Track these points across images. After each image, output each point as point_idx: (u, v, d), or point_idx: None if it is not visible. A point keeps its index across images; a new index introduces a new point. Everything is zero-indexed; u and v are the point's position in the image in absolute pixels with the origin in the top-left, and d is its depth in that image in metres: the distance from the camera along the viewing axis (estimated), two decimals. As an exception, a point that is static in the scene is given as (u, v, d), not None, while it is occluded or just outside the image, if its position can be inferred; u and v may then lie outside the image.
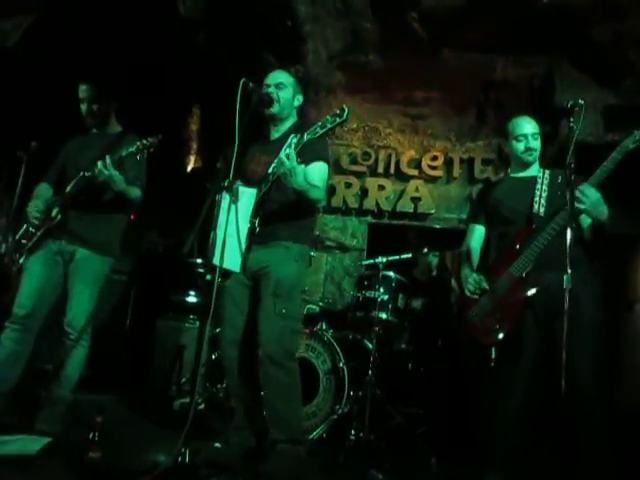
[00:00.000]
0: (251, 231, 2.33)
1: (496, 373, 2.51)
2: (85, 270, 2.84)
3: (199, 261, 4.46)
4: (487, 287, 2.51)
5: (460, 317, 2.56)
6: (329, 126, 2.22)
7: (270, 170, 2.42)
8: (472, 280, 2.56)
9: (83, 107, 3.02)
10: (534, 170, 2.68)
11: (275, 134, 2.63)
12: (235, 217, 2.23)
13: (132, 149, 2.75)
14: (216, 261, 2.15)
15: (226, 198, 2.24)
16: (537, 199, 2.51)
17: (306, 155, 2.37)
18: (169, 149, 6.41)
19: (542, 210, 2.49)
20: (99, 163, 2.73)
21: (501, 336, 2.35)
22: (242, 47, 4.95)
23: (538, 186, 2.55)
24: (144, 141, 2.79)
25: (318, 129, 2.24)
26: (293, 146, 2.27)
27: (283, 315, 2.36)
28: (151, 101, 5.85)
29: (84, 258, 2.86)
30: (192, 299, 4.55)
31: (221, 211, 2.20)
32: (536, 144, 2.66)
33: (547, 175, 2.60)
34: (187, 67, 5.67)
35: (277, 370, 2.33)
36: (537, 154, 2.68)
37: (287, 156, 2.22)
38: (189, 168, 7.01)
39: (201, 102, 6.67)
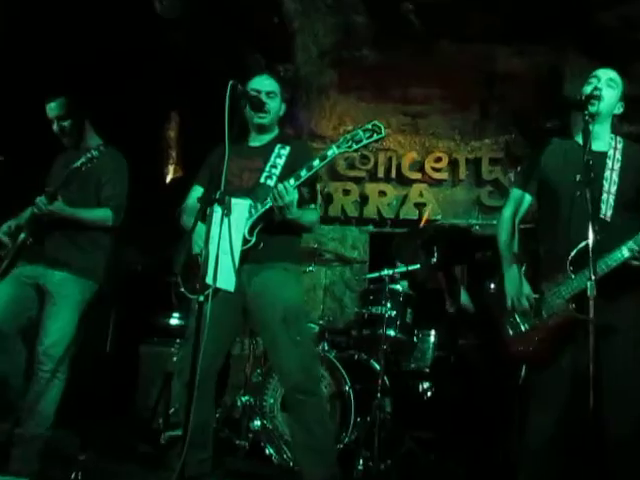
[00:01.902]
0: (245, 248, 2.33)
1: (525, 392, 2.49)
2: (63, 294, 2.84)
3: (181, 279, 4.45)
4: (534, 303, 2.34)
5: (493, 324, 2.49)
6: (365, 141, 2.24)
7: (263, 186, 2.44)
8: (528, 301, 2.34)
9: (54, 127, 3.05)
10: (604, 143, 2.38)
11: (255, 142, 2.65)
12: (228, 232, 2.23)
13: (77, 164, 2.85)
14: (209, 280, 2.14)
15: (217, 211, 2.23)
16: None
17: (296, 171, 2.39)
18: (146, 158, 6.48)
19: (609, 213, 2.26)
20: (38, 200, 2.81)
21: (537, 351, 2.28)
22: (225, 46, 4.97)
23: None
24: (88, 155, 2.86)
25: (351, 143, 2.24)
26: (294, 181, 2.29)
27: (298, 343, 2.38)
28: (125, 107, 5.86)
29: (61, 281, 2.86)
30: (177, 321, 4.53)
31: (212, 225, 2.19)
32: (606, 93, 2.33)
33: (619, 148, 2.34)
34: (164, 69, 5.69)
35: (308, 397, 2.36)
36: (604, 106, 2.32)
37: (285, 189, 2.25)
38: (169, 178, 7.02)
39: (180, 107, 6.69)
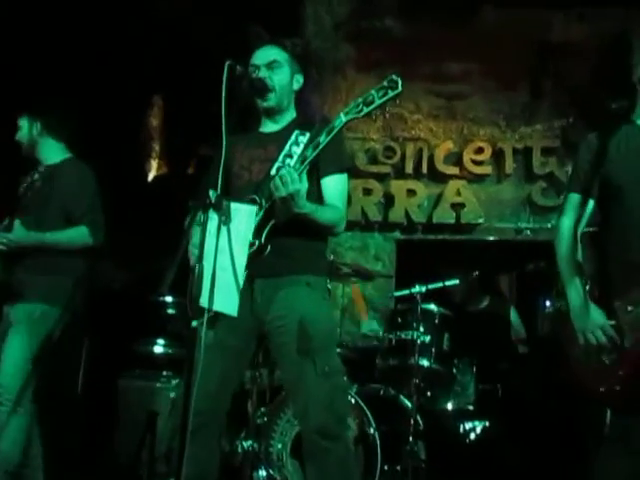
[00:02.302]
0: (253, 258, 2.31)
1: (596, 433, 2.43)
2: (16, 322, 3.00)
3: (169, 299, 4.46)
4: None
5: (552, 351, 2.41)
6: (378, 102, 2.17)
7: (272, 179, 2.42)
8: (604, 333, 2.25)
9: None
10: None
11: (270, 127, 2.63)
12: (228, 243, 2.22)
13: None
14: (204, 302, 2.13)
15: (213, 218, 2.23)
16: None
17: (321, 163, 2.36)
18: (123, 152, 6.52)
19: None
20: None
21: (625, 390, 2.17)
22: (219, 17, 5.02)
23: None
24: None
25: (361, 107, 2.18)
26: (299, 165, 2.24)
27: (327, 374, 2.34)
28: (98, 91, 5.91)
29: (17, 310, 3.04)
30: (162, 350, 4.53)
31: (207, 235, 2.18)
32: None
33: None
34: (144, 45, 5.74)
35: (333, 444, 2.32)
36: None
37: (289, 175, 2.21)
38: (150, 176, 7.06)
39: (164, 90, 6.73)
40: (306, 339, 2.36)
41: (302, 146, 2.44)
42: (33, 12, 5.03)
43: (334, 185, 2.48)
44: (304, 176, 2.26)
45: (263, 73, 2.54)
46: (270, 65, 2.56)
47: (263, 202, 2.37)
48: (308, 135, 2.49)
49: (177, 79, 6.15)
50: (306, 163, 2.27)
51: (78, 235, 3.08)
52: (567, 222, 2.47)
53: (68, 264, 3.11)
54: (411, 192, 5.34)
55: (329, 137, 2.25)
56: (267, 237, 2.34)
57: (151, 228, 5.92)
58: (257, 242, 2.33)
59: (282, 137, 2.52)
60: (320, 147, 2.26)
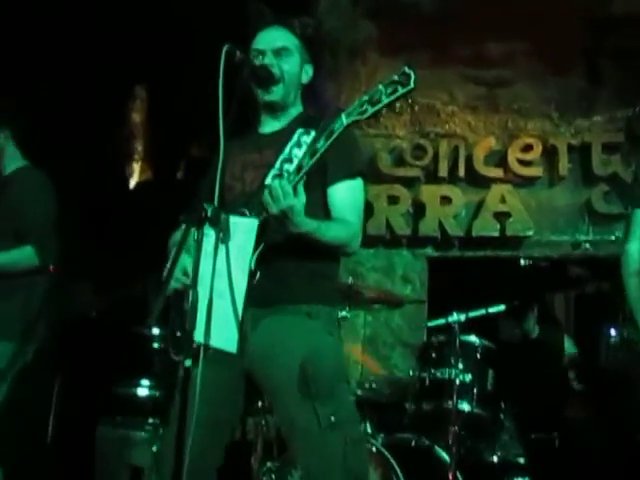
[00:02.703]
0: (252, 285, 2.32)
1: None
2: None
3: (157, 332, 4.48)
4: None
5: (621, 389, 2.39)
6: (385, 101, 2.17)
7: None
8: None
9: None
10: None
11: (270, 126, 2.64)
12: (227, 265, 2.24)
13: None
14: (199, 337, 2.15)
15: (210, 235, 2.24)
16: None
17: (327, 166, 2.37)
18: (100, 154, 6.56)
19: None
20: None
21: None
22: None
23: None
24: None
25: (365, 107, 2.17)
26: (294, 175, 2.22)
27: (333, 425, 2.32)
28: (68, 80, 5.98)
29: None
30: (147, 392, 4.54)
31: (203, 256, 2.20)
32: None
33: None
34: (122, 25, 5.80)
35: None
36: None
37: (281, 188, 2.20)
38: (132, 182, 7.11)
39: (149, 80, 6.79)
40: (305, 382, 2.33)
41: (305, 148, 2.44)
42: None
43: (344, 194, 2.48)
44: (300, 188, 2.23)
45: (269, 60, 2.55)
46: (278, 52, 2.58)
47: (258, 212, 2.36)
48: (313, 134, 2.50)
49: (163, 66, 6.20)
50: (302, 173, 2.23)
51: (22, 256, 3.18)
52: (634, 247, 2.49)
53: (22, 289, 3.16)
54: (446, 199, 5.35)
55: (327, 143, 2.23)
56: (258, 260, 2.32)
57: (134, 244, 5.96)
58: (257, 270, 2.34)
59: (282, 138, 2.53)
60: (318, 155, 2.23)
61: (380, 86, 2.17)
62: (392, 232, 5.37)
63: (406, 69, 2.14)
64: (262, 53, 2.59)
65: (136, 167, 7.08)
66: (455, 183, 5.41)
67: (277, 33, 2.64)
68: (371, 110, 2.17)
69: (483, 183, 5.37)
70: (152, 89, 6.92)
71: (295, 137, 2.52)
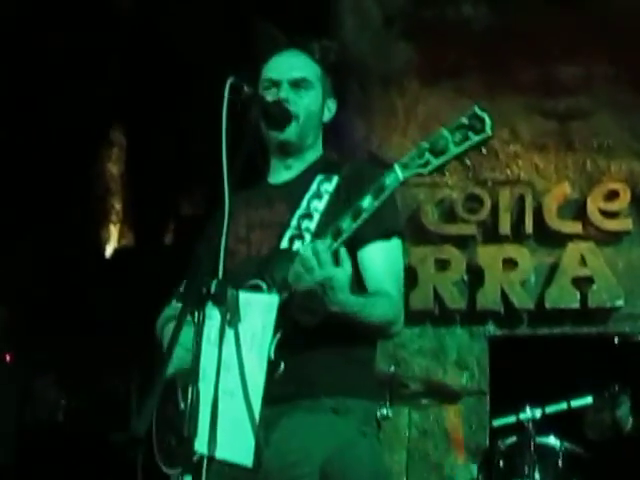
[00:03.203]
0: (270, 379, 2.31)
1: None
2: None
3: (137, 438, 4.48)
4: None
5: None
6: (454, 151, 2.17)
7: (283, 256, 2.42)
8: None
9: None
10: None
11: (282, 174, 2.66)
12: (238, 355, 2.24)
13: None
14: (201, 446, 2.14)
15: (213, 317, 2.24)
16: None
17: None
18: (68, 216, 6.59)
19: None
20: None
21: None
22: (213, 12, 5.15)
23: None
24: None
25: (428, 159, 2.18)
26: (331, 241, 2.22)
27: None
28: (30, 124, 6.08)
29: None
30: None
31: (204, 343, 2.20)
32: None
33: None
34: (98, 51, 5.92)
35: None
36: None
37: (317, 257, 2.18)
38: (109, 249, 7.15)
39: (126, 120, 6.89)
40: None
41: (327, 199, 2.48)
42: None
43: (379, 259, 2.48)
44: (344, 255, 2.23)
45: (285, 94, 2.59)
46: (296, 83, 2.62)
47: (274, 294, 2.37)
48: (336, 180, 2.52)
49: (146, 103, 6.30)
50: (343, 239, 2.27)
51: None
52: None
53: None
54: (510, 263, 5.36)
55: (377, 202, 2.25)
56: (278, 347, 2.33)
57: (112, 327, 5.96)
58: (279, 361, 2.32)
59: (297, 188, 2.56)
60: (363, 216, 2.25)
61: (444, 131, 2.20)
62: (442, 306, 5.38)
63: (477, 110, 2.16)
64: (276, 84, 2.62)
65: (114, 230, 7.15)
66: (521, 242, 5.44)
67: (295, 60, 2.68)
68: (436, 163, 2.19)
69: (557, 241, 5.40)
70: (131, 132, 7.00)
71: (314, 186, 2.54)
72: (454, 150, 2.18)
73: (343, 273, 2.21)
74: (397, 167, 2.23)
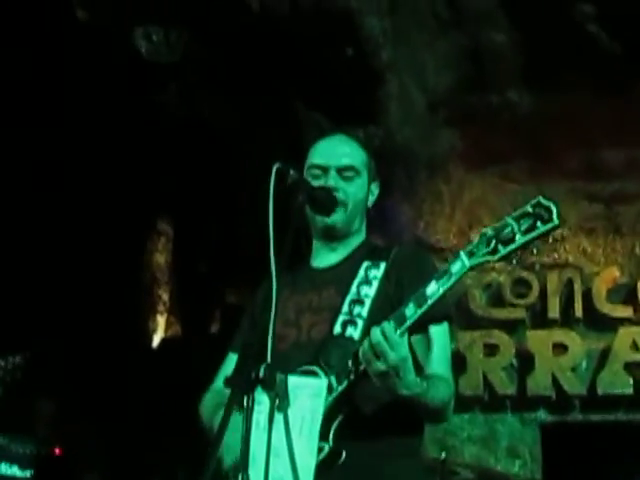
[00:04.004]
0: (329, 468, 2.28)
1: None
2: None
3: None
4: None
5: None
6: (521, 240, 2.16)
7: (338, 342, 2.41)
8: None
9: None
10: None
11: (326, 258, 2.65)
12: (286, 440, 2.21)
13: None
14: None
15: (262, 402, 2.23)
16: None
17: (401, 306, 2.36)
18: (116, 307, 6.56)
19: None
20: None
21: None
22: (258, 100, 5.22)
23: None
24: None
25: (495, 246, 2.19)
26: (395, 326, 2.22)
27: None
28: (78, 217, 6.16)
29: None
30: None
31: (254, 430, 2.18)
32: None
33: None
34: (147, 146, 6.02)
35: None
36: None
37: (386, 338, 2.18)
38: (157, 339, 7.14)
39: (174, 211, 6.96)
40: None
41: (376, 285, 2.48)
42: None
43: (433, 343, 2.45)
44: (405, 340, 2.22)
45: (333, 181, 2.60)
46: (344, 171, 2.64)
47: (332, 380, 2.36)
48: (384, 266, 2.52)
49: (192, 193, 6.37)
50: (407, 325, 2.27)
51: None
52: None
53: None
54: (560, 348, 5.31)
55: (442, 289, 2.25)
56: (336, 435, 2.35)
57: (158, 420, 5.92)
58: (325, 445, 2.30)
59: (344, 273, 2.54)
60: (428, 303, 2.25)
61: (509, 219, 2.19)
62: (492, 391, 5.33)
63: (542, 200, 2.16)
64: (324, 170, 2.62)
65: (160, 320, 7.17)
66: (571, 326, 5.41)
67: (342, 147, 2.68)
68: (504, 251, 2.17)
69: (608, 326, 5.35)
70: (178, 223, 7.07)
71: (361, 272, 2.54)
72: (522, 239, 2.17)
73: (409, 356, 2.21)
74: (463, 254, 2.22)
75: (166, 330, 7.13)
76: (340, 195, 2.59)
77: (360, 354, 2.23)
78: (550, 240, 5.50)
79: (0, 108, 5.51)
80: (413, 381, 2.22)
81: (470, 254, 2.21)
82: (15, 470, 5.12)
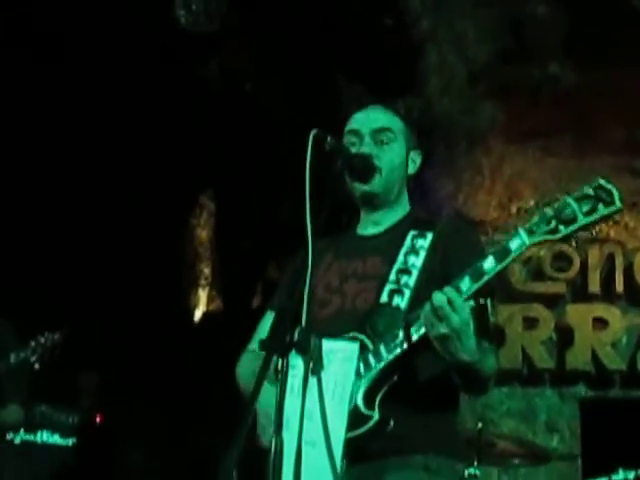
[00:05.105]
0: (358, 433, 2.28)
1: None
2: None
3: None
4: None
5: None
6: (583, 221, 2.14)
7: (397, 334, 2.41)
8: None
9: None
10: None
11: (371, 226, 2.64)
12: (320, 404, 2.22)
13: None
14: (284, 496, 2.12)
15: (297, 366, 2.23)
16: None
17: (449, 278, 2.34)
18: (157, 280, 6.60)
19: None
20: None
21: None
22: (298, 71, 5.22)
23: None
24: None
25: (555, 225, 2.18)
26: (451, 290, 2.20)
27: None
28: (124, 192, 6.20)
29: None
30: None
31: (288, 394, 2.19)
32: None
33: None
34: (190, 121, 6.04)
35: None
36: None
37: (450, 303, 2.18)
38: (198, 314, 7.17)
39: (217, 184, 6.97)
40: None
41: (423, 255, 2.47)
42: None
43: (473, 317, 2.47)
44: (468, 307, 2.21)
45: (367, 147, 2.59)
46: (379, 135, 2.62)
47: (381, 349, 2.36)
48: (430, 237, 2.51)
49: (233, 168, 6.37)
50: (465, 297, 2.26)
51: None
52: None
53: None
54: (600, 322, 5.28)
55: (500, 265, 2.24)
56: (383, 404, 2.31)
57: (198, 392, 5.96)
58: (374, 415, 2.31)
59: (390, 242, 2.54)
60: (484, 279, 2.23)
61: (569, 199, 2.17)
62: (531, 366, 5.32)
63: (603, 182, 2.14)
64: (358, 135, 2.61)
65: (202, 295, 7.18)
66: (612, 301, 5.37)
67: (377, 113, 2.68)
68: (565, 231, 2.15)
69: (649, 301, 5.33)
70: (220, 197, 7.07)
71: (408, 241, 2.53)
72: (583, 220, 2.15)
73: (470, 322, 2.21)
74: (522, 231, 2.21)
75: (208, 304, 7.15)
76: (376, 161, 2.58)
77: (422, 317, 2.23)
78: (592, 214, 5.49)
79: (47, 91, 5.62)
80: (473, 347, 2.22)
81: (530, 232, 2.19)
82: (57, 438, 5.20)
